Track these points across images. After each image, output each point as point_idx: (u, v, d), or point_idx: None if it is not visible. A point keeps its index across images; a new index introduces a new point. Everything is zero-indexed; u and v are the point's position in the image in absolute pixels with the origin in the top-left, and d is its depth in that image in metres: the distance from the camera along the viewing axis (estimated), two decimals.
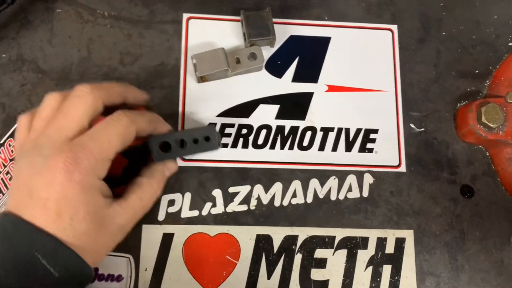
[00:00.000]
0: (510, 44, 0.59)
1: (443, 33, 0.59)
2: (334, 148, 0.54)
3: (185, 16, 0.56)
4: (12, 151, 0.51)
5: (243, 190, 0.52)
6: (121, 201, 0.42)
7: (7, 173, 0.50)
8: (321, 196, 0.53)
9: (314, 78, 0.56)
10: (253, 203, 0.52)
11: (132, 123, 0.42)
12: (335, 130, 0.54)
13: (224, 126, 0.54)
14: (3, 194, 0.50)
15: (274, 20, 0.55)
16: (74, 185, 0.37)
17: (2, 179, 0.50)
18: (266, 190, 0.53)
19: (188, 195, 0.51)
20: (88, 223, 0.38)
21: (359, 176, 0.54)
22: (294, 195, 0.53)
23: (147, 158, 0.48)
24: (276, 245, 0.51)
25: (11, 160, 0.51)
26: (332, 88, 0.56)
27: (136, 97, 0.47)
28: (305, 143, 0.54)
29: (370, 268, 0.51)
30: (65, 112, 0.41)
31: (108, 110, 0.43)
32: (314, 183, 0.53)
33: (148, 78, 0.54)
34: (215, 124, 0.52)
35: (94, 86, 0.42)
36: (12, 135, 0.51)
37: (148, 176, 0.45)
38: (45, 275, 0.35)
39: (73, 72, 0.53)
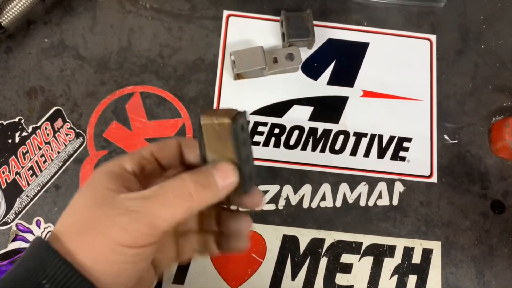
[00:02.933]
0: None
1: (482, 46, 0.59)
2: (366, 154, 0.54)
3: (226, 13, 0.56)
4: (48, 134, 0.52)
5: (272, 189, 0.52)
6: (140, 191, 0.28)
7: (42, 155, 0.51)
8: (350, 201, 0.53)
9: (350, 83, 0.56)
10: (282, 203, 0.52)
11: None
12: (368, 136, 0.54)
13: (257, 124, 0.54)
14: (37, 176, 0.50)
15: (314, 22, 0.55)
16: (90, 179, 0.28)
17: (36, 161, 0.51)
18: (295, 191, 0.52)
19: None
20: (83, 197, 0.28)
21: (390, 183, 0.53)
22: (323, 198, 0.52)
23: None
24: (302, 246, 0.51)
25: (46, 143, 0.51)
26: (367, 94, 0.55)
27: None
28: (337, 146, 0.54)
29: (395, 277, 0.51)
30: None
31: None
32: (344, 187, 0.53)
33: (186, 72, 0.54)
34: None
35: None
36: (49, 119, 0.52)
37: (190, 172, 0.28)
38: None
39: (112, 61, 0.54)
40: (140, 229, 0.25)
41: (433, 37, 0.58)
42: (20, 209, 0.50)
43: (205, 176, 0.27)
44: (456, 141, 0.55)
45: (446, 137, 0.55)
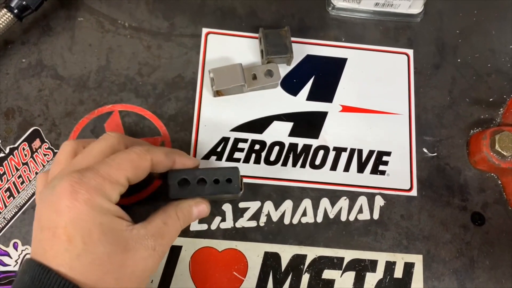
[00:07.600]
0: None
1: (459, 60, 0.59)
2: (346, 169, 0.54)
3: (204, 30, 0.57)
4: (25, 155, 0.51)
5: (253, 206, 0.52)
6: (145, 224, 0.38)
7: (19, 176, 0.50)
8: (331, 216, 0.53)
9: (329, 98, 0.56)
10: (263, 219, 0.52)
11: (146, 152, 0.39)
12: (348, 151, 0.54)
13: (237, 140, 0.54)
14: (14, 198, 0.50)
15: (292, 39, 0.55)
16: (81, 205, 0.33)
17: (14, 182, 0.50)
18: (276, 207, 0.52)
19: None
20: (106, 245, 0.34)
21: (370, 198, 0.53)
22: (304, 213, 0.52)
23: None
24: (284, 263, 0.51)
25: (24, 163, 0.51)
26: (346, 109, 0.56)
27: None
28: (317, 162, 0.54)
29: None
30: (83, 151, 0.39)
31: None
32: (324, 202, 0.53)
33: (165, 90, 0.54)
34: (236, 166, 0.46)
35: (122, 135, 0.42)
36: (26, 139, 0.52)
37: (175, 205, 0.42)
38: None
39: (91, 80, 0.54)
40: (164, 252, 0.40)
41: (410, 52, 0.59)
42: None
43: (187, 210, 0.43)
44: (435, 154, 0.56)
45: (425, 150, 0.56)
